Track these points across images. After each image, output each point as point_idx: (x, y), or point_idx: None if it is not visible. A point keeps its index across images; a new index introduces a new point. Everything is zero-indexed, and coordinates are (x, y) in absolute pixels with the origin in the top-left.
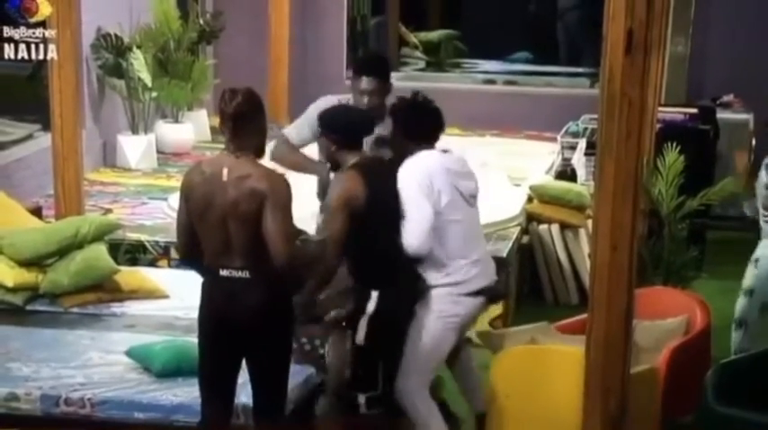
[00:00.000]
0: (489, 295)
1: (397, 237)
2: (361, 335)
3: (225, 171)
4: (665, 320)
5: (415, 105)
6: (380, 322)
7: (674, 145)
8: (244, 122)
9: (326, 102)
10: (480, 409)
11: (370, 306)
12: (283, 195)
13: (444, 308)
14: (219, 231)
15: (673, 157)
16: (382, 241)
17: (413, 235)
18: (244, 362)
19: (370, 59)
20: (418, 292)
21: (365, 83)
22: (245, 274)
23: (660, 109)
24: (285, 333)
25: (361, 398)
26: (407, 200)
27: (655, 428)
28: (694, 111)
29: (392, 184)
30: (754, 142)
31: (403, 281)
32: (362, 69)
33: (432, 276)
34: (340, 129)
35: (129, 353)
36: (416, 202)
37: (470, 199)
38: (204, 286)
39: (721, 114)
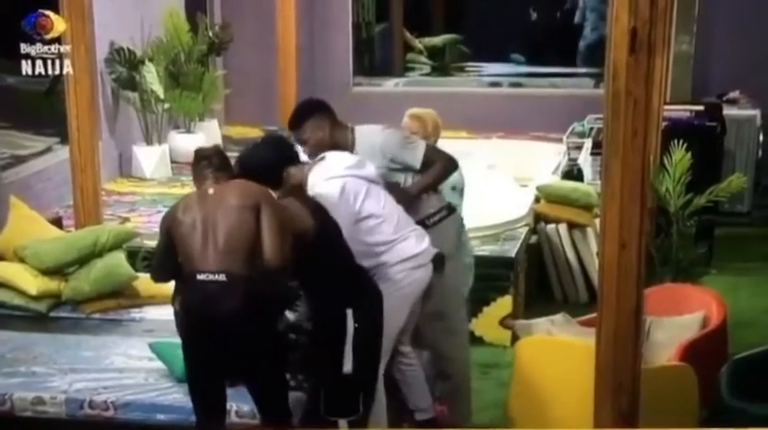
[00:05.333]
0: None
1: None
2: (348, 366)
3: (210, 190)
4: (682, 316)
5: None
6: (362, 339)
7: (681, 142)
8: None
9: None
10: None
11: (349, 329)
12: (274, 200)
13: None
14: (202, 238)
15: (679, 155)
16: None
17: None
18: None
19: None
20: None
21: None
22: (221, 278)
23: (666, 107)
24: (270, 337)
25: (343, 422)
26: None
27: (691, 423)
28: (700, 108)
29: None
30: (761, 138)
31: (368, 287)
32: (288, 126)
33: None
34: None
35: (153, 347)
36: None
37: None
38: (180, 292)
39: (728, 111)
